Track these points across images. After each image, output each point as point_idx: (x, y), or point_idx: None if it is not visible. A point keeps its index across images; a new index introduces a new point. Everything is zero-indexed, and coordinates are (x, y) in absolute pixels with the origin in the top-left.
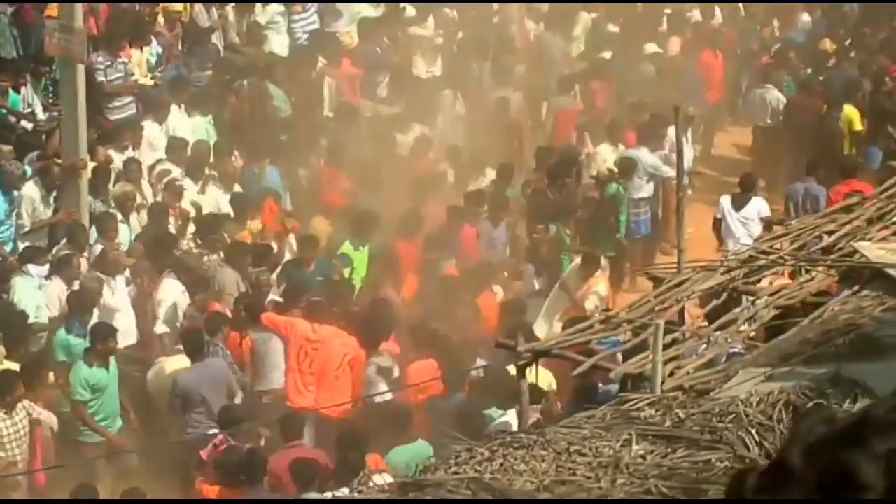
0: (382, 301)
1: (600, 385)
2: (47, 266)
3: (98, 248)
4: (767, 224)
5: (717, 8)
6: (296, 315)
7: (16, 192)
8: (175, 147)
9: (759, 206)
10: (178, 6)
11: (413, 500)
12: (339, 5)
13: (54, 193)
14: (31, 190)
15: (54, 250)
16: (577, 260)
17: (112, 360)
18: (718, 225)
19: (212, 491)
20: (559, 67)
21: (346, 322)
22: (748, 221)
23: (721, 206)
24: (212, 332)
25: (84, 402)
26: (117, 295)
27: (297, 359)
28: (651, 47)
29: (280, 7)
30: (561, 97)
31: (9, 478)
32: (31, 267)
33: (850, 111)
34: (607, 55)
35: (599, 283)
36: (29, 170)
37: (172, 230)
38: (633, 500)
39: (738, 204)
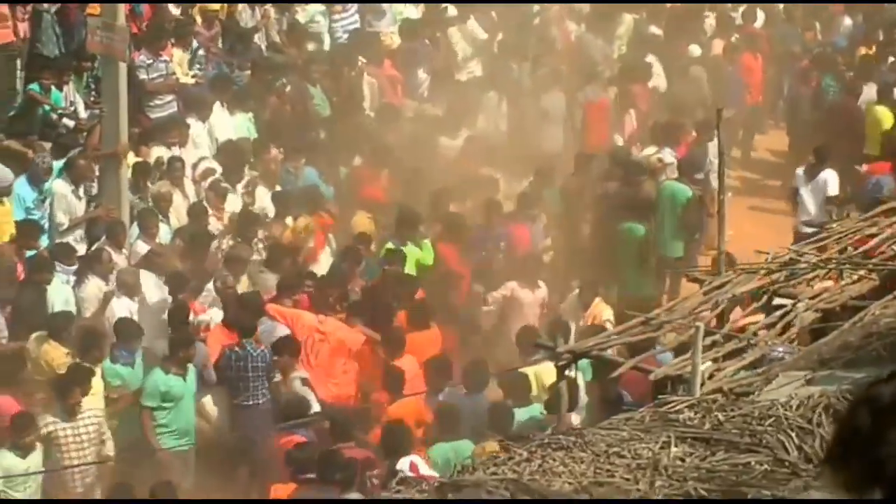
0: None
1: (625, 394)
2: (75, 265)
3: (139, 244)
4: (831, 202)
5: (758, 10)
6: (303, 306)
7: (45, 185)
8: (224, 149)
9: (827, 178)
10: (216, 5)
11: (440, 500)
12: (383, 5)
13: (83, 187)
14: (61, 186)
15: (93, 247)
16: (576, 291)
17: (191, 370)
18: (793, 194)
19: (285, 490)
20: (600, 69)
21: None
22: (818, 192)
23: (796, 175)
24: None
25: (151, 409)
26: (154, 293)
27: (304, 350)
28: (695, 49)
29: (321, 6)
30: (588, 88)
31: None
32: (58, 265)
33: (882, 111)
34: (649, 57)
35: (604, 310)
36: (56, 165)
37: (214, 230)
38: (669, 500)
39: (810, 175)
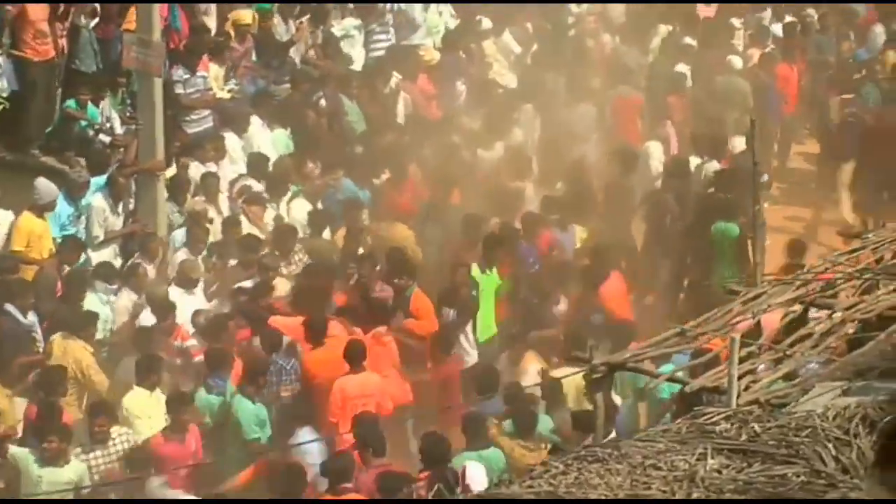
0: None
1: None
2: (116, 285)
3: (180, 255)
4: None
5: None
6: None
7: (81, 201)
8: (256, 163)
9: None
10: (247, 18)
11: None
12: (416, 18)
13: (122, 204)
14: (99, 202)
15: (129, 262)
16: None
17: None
18: None
19: None
20: (636, 79)
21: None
22: None
23: None
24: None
25: (258, 440)
26: (191, 307)
27: None
28: (736, 61)
29: (356, 20)
30: (621, 87)
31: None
32: (97, 283)
33: None
34: (683, 68)
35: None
36: (93, 181)
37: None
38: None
39: None
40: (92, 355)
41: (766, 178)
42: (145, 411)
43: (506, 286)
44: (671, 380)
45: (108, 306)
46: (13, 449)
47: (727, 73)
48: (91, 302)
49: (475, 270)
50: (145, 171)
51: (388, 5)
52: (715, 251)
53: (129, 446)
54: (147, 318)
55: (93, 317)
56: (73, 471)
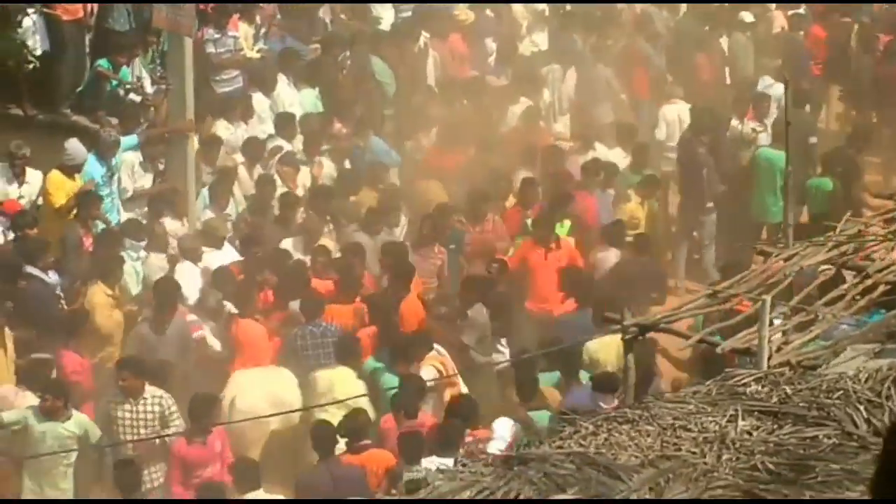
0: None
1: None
2: (144, 241)
3: (207, 215)
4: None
5: None
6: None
7: (113, 160)
8: (284, 123)
9: None
10: None
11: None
12: None
13: (159, 164)
14: (129, 157)
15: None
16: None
17: None
18: None
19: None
20: (664, 41)
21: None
22: None
23: None
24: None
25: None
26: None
27: None
28: (746, 16)
29: None
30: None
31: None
32: (128, 241)
33: None
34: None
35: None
36: (123, 140)
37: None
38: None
39: None
40: (109, 297)
41: (814, 140)
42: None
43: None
44: (703, 341)
45: (140, 262)
46: (5, 415)
47: (740, 28)
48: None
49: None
50: (176, 133)
51: None
52: (757, 178)
53: (160, 410)
54: (183, 271)
55: (117, 261)
56: (75, 425)
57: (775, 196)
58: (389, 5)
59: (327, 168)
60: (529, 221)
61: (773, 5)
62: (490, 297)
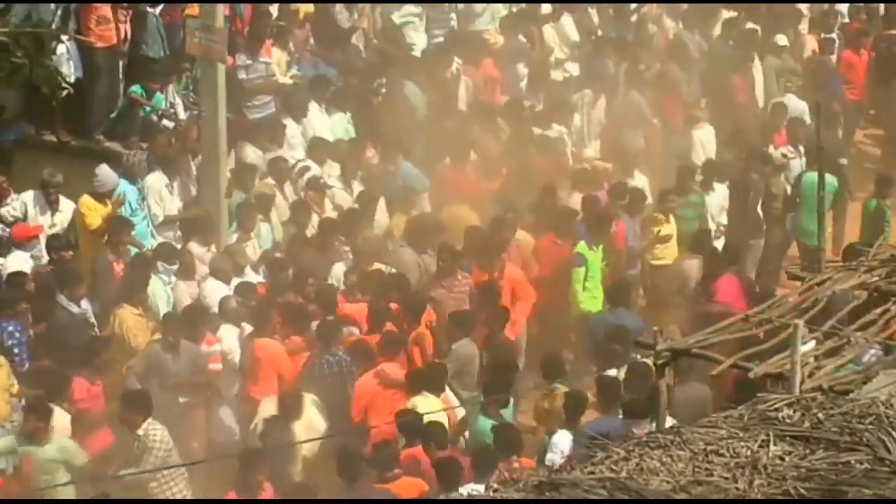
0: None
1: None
2: (177, 265)
3: (234, 238)
4: None
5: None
6: None
7: (139, 183)
8: (316, 146)
9: None
10: (309, 7)
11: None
12: (477, 6)
13: (177, 183)
14: (155, 180)
15: (180, 248)
16: None
17: None
18: None
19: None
20: (697, 65)
21: None
22: None
23: None
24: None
25: None
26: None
27: None
28: (781, 39)
29: (416, 7)
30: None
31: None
32: (160, 265)
33: None
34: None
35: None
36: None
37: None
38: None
39: None
40: (139, 317)
41: (844, 161)
42: None
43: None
44: (735, 366)
45: (171, 286)
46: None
47: (773, 52)
48: (155, 285)
49: (582, 246)
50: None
51: None
52: (803, 202)
53: (152, 446)
54: (213, 288)
55: (143, 282)
56: (56, 449)
57: (814, 220)
58: (422, 31)
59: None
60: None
61: (804, 30)
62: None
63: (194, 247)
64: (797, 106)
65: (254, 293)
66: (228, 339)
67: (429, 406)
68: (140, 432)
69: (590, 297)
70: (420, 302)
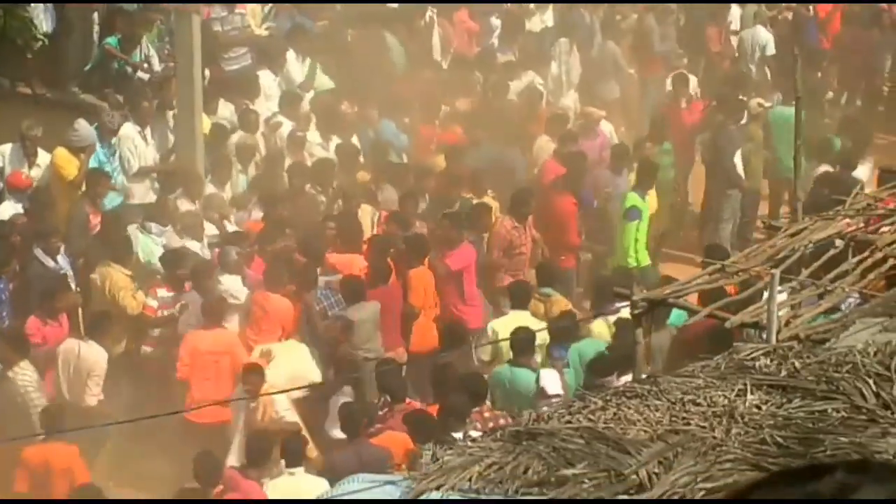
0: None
1: None
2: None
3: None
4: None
5: None
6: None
7: (114, 140)
8: (289, 101)
9: None
10: None
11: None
12: None
13: (149, 131)
14: (128, 130)
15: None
16: None
17: None
18: None
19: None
20: (675, 16)
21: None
22: None
23: None
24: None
25: None
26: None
27: None
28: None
29: None
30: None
31: None
32: (152, 225)
33: None
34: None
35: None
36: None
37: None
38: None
39: None
40: (129, 278)
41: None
42: None
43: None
44: (712, 315)
45: (159, 246)
46: None
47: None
48: (143, 243)
49: (633, 198)
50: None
51: None
52: (774, 138)
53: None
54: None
55: (127, 244)
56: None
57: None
58: None
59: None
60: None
61: None
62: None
63: (183, 203)
64: (764, 37)
65: (247, 240)
66: (232, 285)
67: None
68: (10, 373)
69: (643, 251)
70: (421, 243)
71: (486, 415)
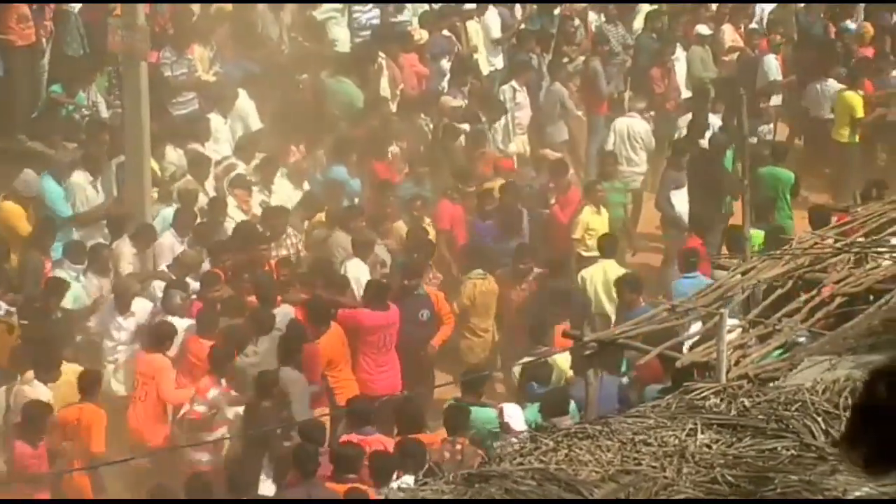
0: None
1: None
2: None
3: (167, 238)
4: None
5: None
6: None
7: (66, 181)
8: (242, 145)
9: None
10: (229, 6)
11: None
12: None
13: (101, 180)
14: (78, 177)
15: (112, 244)
16: None
17: None
18: None
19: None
20: (621, 58)
21: None
22: None
23: None
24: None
25: None
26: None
27: None
28: (703, 29)
29: (338, 4)
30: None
31: None
32: (67, 262)
33: (851, 97)
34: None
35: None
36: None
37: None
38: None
39: None
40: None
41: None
42: None
43: None
44: (662, 356)
45: (80, 287)
46: None
47: (697, 42)
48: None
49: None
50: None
51: None
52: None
53: None
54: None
55: (61, 284)
56: None
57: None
58: (345, 27)
59: (284, 190)
60: None
61: (725, 21)
62: None
63: (125, 246)
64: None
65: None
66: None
67: None
68: None
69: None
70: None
71: (458, 447)
